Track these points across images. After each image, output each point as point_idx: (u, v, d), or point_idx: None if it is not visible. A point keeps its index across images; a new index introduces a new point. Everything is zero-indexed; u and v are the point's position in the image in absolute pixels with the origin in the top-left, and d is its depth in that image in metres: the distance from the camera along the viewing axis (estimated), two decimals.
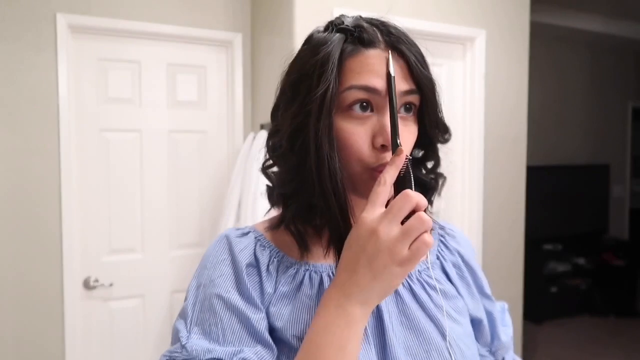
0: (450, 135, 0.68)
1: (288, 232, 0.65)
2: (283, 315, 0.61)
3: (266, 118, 2.37)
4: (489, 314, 0.77)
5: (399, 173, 0.55)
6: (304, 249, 0.64)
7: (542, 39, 3.76)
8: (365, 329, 0.61)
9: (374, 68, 0.59)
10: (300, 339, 0.59)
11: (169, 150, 2.37)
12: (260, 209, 1.99)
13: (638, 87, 5.25)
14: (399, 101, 0.60)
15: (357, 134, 0.59)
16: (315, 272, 0.65)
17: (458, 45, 2.45)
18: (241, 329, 0.59)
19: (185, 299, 0.65)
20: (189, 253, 2.42)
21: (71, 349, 2.17)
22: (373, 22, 0.63)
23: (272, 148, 0.67)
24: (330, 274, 0.65)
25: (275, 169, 0.69)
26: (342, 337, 0.53)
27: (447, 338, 0.64)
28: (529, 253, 2.81)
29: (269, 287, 0.63)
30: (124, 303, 2.30)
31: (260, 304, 0.62)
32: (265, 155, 0.69)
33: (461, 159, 2.50)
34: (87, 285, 2.22)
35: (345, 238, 0.56)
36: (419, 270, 0.70)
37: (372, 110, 0.60)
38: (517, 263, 2.68)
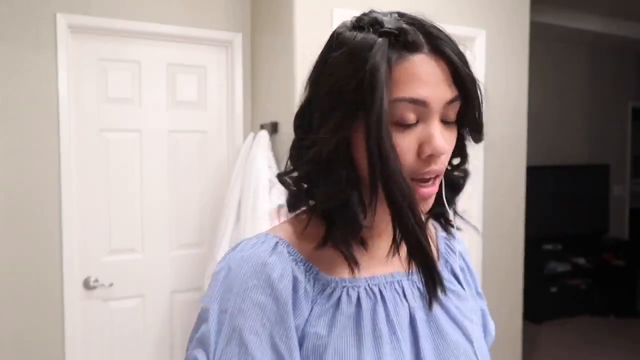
0: (484, 135, 0.65)
1: (320, 229, 0.62)
2: (322, 336, 0.59)
3: (266, 118, 2.38)
4: (482, 311, 0.78)
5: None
6: (355, 266, 0.61)
7: (542, 39, 3.76)
8: (399, 337, 0.61)
9: (421, 77, 0.56)
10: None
11: (169, 151, 2.37)
12: (260, 209, 1.99)
13: (638, 87, 5.25)
14: (442, 110, 0.58)
15: (404, 145, 0.57)
16: (352, 288, 0.62)
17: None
18: None
19: (203, 320, 0.58)
20: (189, 253, 2.42)
21: (71, 349, 2.17)
22: (413, 22, 0.59)
23: (310, 160, 0.60)
24: (367, 287, 0.63)
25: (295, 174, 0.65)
26: None
27: (474, 341, 0.66)
28: (529, 253, 2.81)
29: (305, 309, 0.60)
30: (124, 303, 2.30)
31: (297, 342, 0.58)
32: (288, 164, 0.65)
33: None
34: (87, 285, 2.22)
35: (425, 244, 0.57)
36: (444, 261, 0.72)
37: (418, 120, 0.57)
38: (517, 263, 2.68)
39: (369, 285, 0.63)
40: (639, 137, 5.34)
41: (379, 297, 0.63)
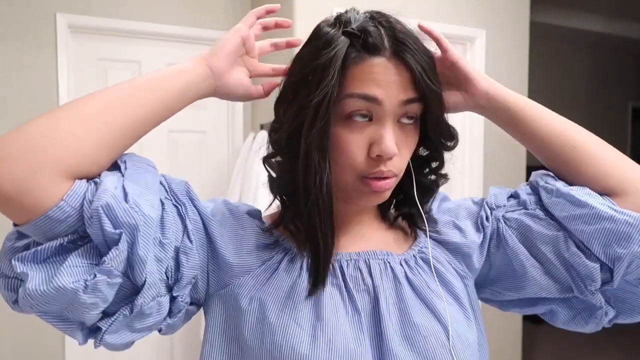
0: (456, 142, 0.67)
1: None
2: (279, 301, 0.62)
3: (266, 118, 2.37)
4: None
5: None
6: (302, 247, 0.64)
7: (542, 39, 3.76)
8: (360, 314, 0.62)
9: (376, 77, 0.57)
10: (300, 325, 0.60)
11: (168, 150, 2.37)
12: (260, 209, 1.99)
13: (638, 87, 5.26)
14: (398, 110, 0.59)
15: (354, 142, 0.59)
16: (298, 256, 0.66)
17: (458, 46, 2.45)
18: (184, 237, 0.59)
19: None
20: None
21: (71, 348, 2.17)
22: (382, 24, 0.59)
23: (273, 144, 0.66)
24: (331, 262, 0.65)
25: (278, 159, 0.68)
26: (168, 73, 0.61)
27: (445, 322, 0.64)
28: None
29: (248, 256, 0.64)
30: None
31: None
32: (268, 147, 0.68)
33: (461, 159, 2.50)
34: None
35: (324, 260, 0.61)
36: (414, 256, 0.69)
37: (370, 120, 0.59)
38: None
39: (332, 260, 0.65)
40: (639, 137, 5.34)
41: (338, 272, 0.65)
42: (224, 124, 2.48)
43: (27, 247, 0.52)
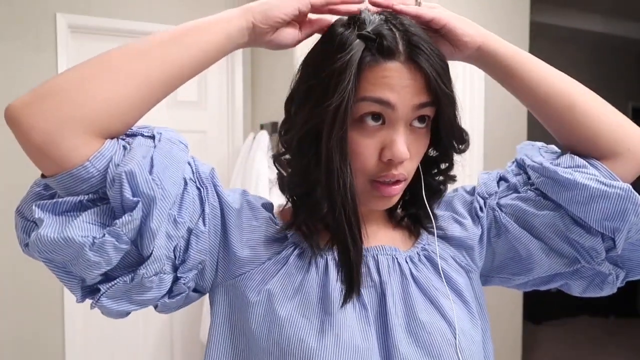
0: (467, 145, 0.68)
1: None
2: (288, 296, 0.62)
3: (266, 118, 2.37)
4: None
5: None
6: (316, 248, 0.64)
7: (542, 39, 3.76)
8: (367, 310, 0.62)
9: (390, 82, 0.57)
10: (309, 318, 0.60)
11: None
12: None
13: (638, 87, 5.25)
14: (410, 114, 0.59)
15: (366, 146, 0.59)
16: (321, 256, 0.65)
17: None
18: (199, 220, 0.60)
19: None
20: None
21: (71, 349, 2.17)
22: (396, 27, 0.59)
23: (284, 143, 0.65)
24: (336, 257, 0.64)
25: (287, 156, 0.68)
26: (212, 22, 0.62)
27: (451, 319, 0.64)
28: None
29: (261, 249, 0.65)
30: None
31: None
32: (279, 146, 0.68)
33: (461, 159, 2.50)
34: None
35: (357, 264, 0.60)
36: (417, 253, 0.69)
37: (383, 123, 0.59)
38: None
39: (335, 255, 0.65)
40: None
41: None
42: (224, 124, 2.48)
43: (52, 197, 0.54)
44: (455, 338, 0.62)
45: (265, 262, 0.65)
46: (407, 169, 0.62)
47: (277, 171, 0.69)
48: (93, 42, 2.21)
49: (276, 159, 0.68)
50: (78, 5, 2.14)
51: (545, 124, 0.70)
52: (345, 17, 0.63)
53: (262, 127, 2.25)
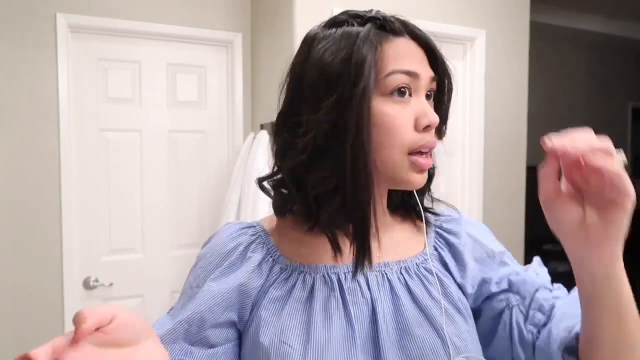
0: (445, 131, 0.69)
1: (300, 233, 0.66)
2: (272, 322, 0.62)
3: (266, 118, 2.37)
4: (507, 278, 0.71)
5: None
6: (338, 251, 0.63)
7: (542, 39, 3.76)
8: (354, 330, 0.61)
9: (409, 54, 0.61)
10: (290, 345, 0.59)
11: (169, 150, 2.37)
12: (260, 209, 1.99)
13: (638, 87, 5.25)
14: (428, 86, 0.62)
15: (401, 117, 0.60)
16: (309, 273, 0.65)
17: (458, 46, 2.45)
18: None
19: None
20: (189, 253, 2.41)
21: None
22: (392, 16, 0.63)
23: (303, 149, 0.61)
24: (326, 275, 0.64)
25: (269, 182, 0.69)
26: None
27: (445, 337, 0.63)
28: (529, 253, 2.81)
29: (255, 282, 0.64)
30: (124, 303, 2.30)
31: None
32: (271, 165, 0.68)
33: (461, 159, 2.50)
34: (87, 285, 2.22)
35: (368, 236, 0.60)
36: (416, 264, 0.68)
37: (410, 95, 0.61)
38: None
39: (327, 273, 0.65)
40: (639, 137, 5.34)
41: (336, 285, 0.64)
42: (224, 124, 2.48)
43: None
44: (445, 351, 0.61)
45: (260, 290, 0.65)
46: (434, 137, 0.64)
47: (273, 196, 0.69)
48: (93, 42, 2.21)
49: (260, 182, 0.70)
50: (78, 5, 2.14)
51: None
52: (317, 25, 0.65)
53: (262, 127, 2.25)
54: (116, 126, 2.27)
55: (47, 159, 2.11)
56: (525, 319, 0.67)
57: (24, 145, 2.08)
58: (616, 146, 0.69)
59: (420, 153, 0.62)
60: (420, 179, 0.63)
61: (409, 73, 0.60)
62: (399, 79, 0.60)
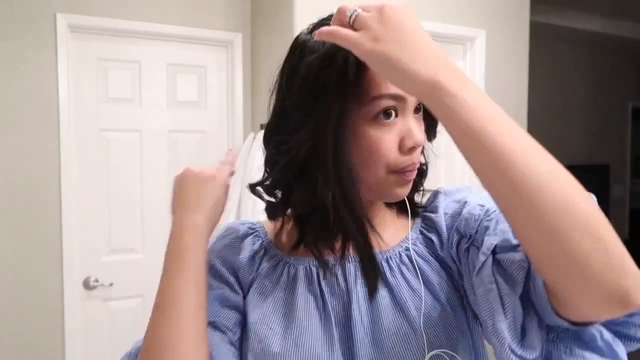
0: (436, 132, 0.69)
1: (294, 231, 0.70)
2: (259, 305, 0.67)
3: (266, 118, 2.36)
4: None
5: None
6: (325, 267, 0.66)
7: (542, 39, 3.76)
8: (331, 322, 0.63)
9: None
10: (271, 328, 0.63)
11: (169, 150, 2.37)
12: (260, 209, 1.99)
13: (638, 87, 5.25)
14: (414, 103, 0.62)
15: (386, 140, 0.60)
16: (293, 265, 0.68)
17: (458, 46, 2.45)
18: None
19: None
20: None
21: (71, 349, 2.17)
22: None
23: (287, 164, 0.63)
24: (307, 267, 0.68)
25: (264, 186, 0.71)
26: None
27: (420, 328, 0.61)
28: None
29: (247, 270, 0.70)
30: (124, 303, 2.30)
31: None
32: (264, 175, 0.69)
33: (461, 159, 2.50)
34: (87, 285, 2.22)
35: (370, 251, 0.64)
36: (399, 252, 0.67)
37: (396, 115, 0.61)
38: None
39: (309, 265, 0.68)
40: (639, 137, 5.34)
41: (315, 278, 0.66)
42: (224, 124, 2.48)
43: None
44: (421, 343, 0.60)
45: (256, 279, 0.70)
46: (419, 154, 0.64)
47: (265, 199, 0.71)
48: (93, 42, 2.21)
49: (253, 188, 0.71)
50: (78, 5, 2.14)
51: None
52: (309, 28, 0.65)
53: (262, 127, 2.25)
54: (116, 126, 2.27)
55: (47, 159, 2.11)
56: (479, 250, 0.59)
57: (24, 145, 2.08)
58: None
59: (405, 171, 0.62)
60: (404, 191, 0.65)
61: (395, 97, 0.59)
62: (385, 103, 0.59)
